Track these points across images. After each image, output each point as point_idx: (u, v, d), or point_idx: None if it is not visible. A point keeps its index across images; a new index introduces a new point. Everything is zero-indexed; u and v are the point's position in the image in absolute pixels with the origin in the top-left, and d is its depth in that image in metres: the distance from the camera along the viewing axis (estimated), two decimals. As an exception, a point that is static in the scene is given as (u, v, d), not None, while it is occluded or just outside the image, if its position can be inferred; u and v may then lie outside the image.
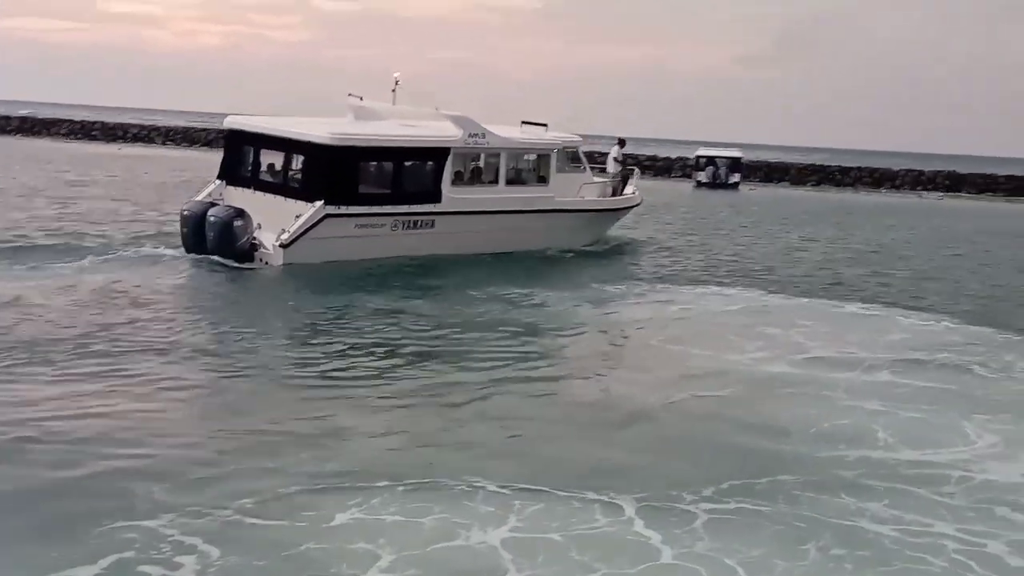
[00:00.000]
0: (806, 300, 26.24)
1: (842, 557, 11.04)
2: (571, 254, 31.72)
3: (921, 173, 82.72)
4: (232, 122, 29.03)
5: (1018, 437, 15.39)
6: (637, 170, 37.70)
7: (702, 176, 72.10)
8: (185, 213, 27.24)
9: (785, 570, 10.66)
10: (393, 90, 30.64)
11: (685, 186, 71.46)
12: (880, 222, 50.72)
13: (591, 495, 12.06)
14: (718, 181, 71.30)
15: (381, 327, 20.43)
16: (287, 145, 27.74)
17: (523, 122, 32.92)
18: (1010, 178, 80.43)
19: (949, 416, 16.29)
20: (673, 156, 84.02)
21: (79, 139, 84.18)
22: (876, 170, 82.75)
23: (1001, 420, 16.19)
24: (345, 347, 18.71)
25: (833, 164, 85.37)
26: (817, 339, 21.44)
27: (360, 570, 10.05)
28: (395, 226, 27.92)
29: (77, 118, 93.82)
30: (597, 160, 39.02)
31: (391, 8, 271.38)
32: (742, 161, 74.68)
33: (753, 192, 69.16)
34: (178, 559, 10.11)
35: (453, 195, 28.93)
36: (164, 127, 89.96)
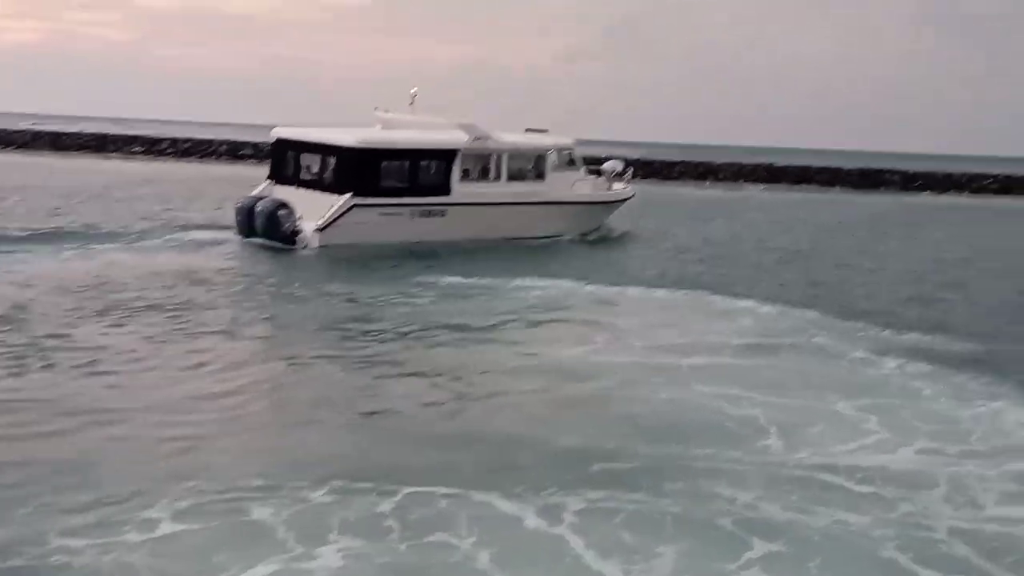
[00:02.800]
0: (659, 292, 27.38)
1: (714, 547, 11.65)
2: (569, 240, 37.19)
3: (743, 166, 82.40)
4: (278, 132, 35.23)
5: (889, 420, 16.36)
6: (630, 168, 43.09)
7: None
8: (238, 205, 33.38)
9: (651, 561, 11.28)
10: (411, 103, 36.64)
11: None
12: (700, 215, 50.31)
13: (443, 489, 12.83)
14: None
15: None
16: (323, 149, 33.83)
17: (527, 129, 38.74)
18: (823, 170, 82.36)
19: (807, 399, 17.42)
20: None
21: None
22: (700, 164, 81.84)
23: (863, 402, 17.32)
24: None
25: (657, 158, 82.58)
26: (664, 328, 22.51)
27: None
28: (412, 214, 33.72)
29: None
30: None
31: (214, 5, 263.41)
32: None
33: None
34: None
35: (461, 189, 34.74)
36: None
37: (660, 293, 27.00)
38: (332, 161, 33.65)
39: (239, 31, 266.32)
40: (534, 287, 26.82)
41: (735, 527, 12.15)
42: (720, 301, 26.06)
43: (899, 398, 17.86)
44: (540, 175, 37.22)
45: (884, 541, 12.09)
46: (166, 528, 11.46)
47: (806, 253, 37.65)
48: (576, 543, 11.58)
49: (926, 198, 73.59)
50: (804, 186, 77.99)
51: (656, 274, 30.54)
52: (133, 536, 11.23)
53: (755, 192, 71.55)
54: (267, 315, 22.98)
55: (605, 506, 12.57)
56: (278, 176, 34.61)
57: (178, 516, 11.72)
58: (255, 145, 72.37)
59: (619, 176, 41.19)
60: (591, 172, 40.28)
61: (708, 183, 77.02)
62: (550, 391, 17.65)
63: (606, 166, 41.77)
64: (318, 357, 19.17)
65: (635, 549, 11.47)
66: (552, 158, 37.41)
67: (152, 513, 11.75)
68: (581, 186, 38.55)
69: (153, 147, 78.84)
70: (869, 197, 71.59)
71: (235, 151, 77.13)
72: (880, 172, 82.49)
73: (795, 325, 23.53)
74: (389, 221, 33.18)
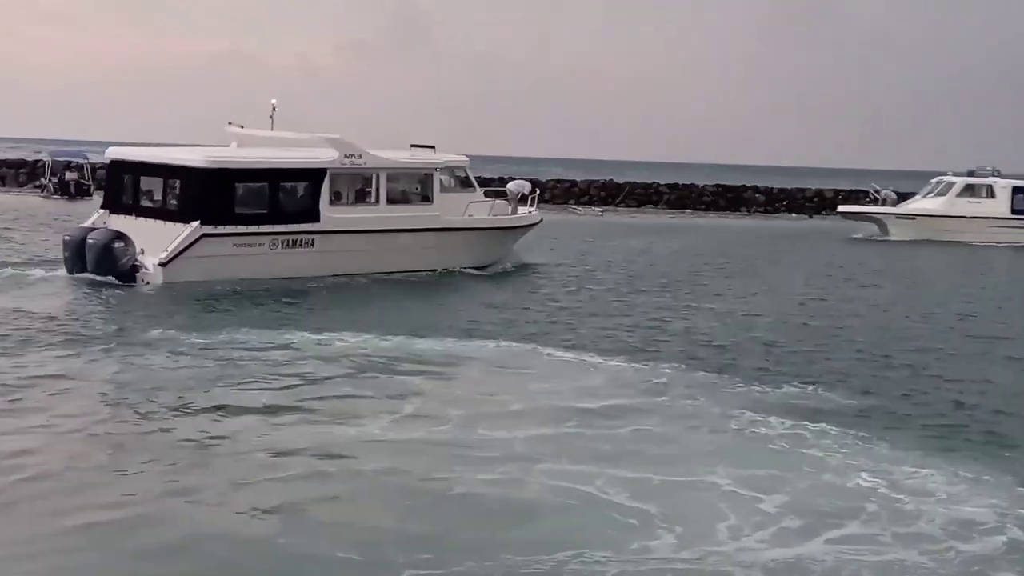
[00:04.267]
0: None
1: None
2: (462, 275, 32.54)
3: (573, 184, 73.11)
4: (113, 152, 30.55)
5: (785, 499, 12.93)
6: (536, 191, 38.72)
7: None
8: (66, 239, 28.65)
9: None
10: (271, 116, 32.00)
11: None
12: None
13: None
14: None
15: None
16: (166, 171, 29.26)
17: (412, 145, 34.31)
18: (673, 187, 75.29)
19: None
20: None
21: None
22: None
23: (745, 474, 13.73)
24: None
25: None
26: (499, 393, 17.83)
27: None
28: (274, 245, 29.09)
29: None
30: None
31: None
32: None
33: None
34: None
35: (332, 214, 30.07)
36: None
37: (518, 347, 21.70)
38: (177, 184, 29.19)
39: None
40: (370, 342, 21.34)
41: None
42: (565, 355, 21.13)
43: (787, 467, 14.10)
44: (427, 198, 32.69)
45: None
46: None
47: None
48: None
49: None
50: (650, 207, 72.00)
51: (535, 319, 25.47)
52: None
53: (592, 216, 64.90)
54: (53, 371, 18.25)
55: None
56: (114, 204, 29.84)
57: None
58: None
59: (524, 199, 36.81)
60: (491, 194, 35.96)
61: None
62: (318, 479, 13.20)
63: (511, 186, 37.60)
64: (67, 432, 14.77)
65: None
66: (441, 178, 32.86)
67: None
68: (477, 210, 33.97)
69: None
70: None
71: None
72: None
73: (649, 380, 19.13)
74: (246, 254, 28.66)
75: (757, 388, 18.74)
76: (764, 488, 13.13)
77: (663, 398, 17.70)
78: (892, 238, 54.61)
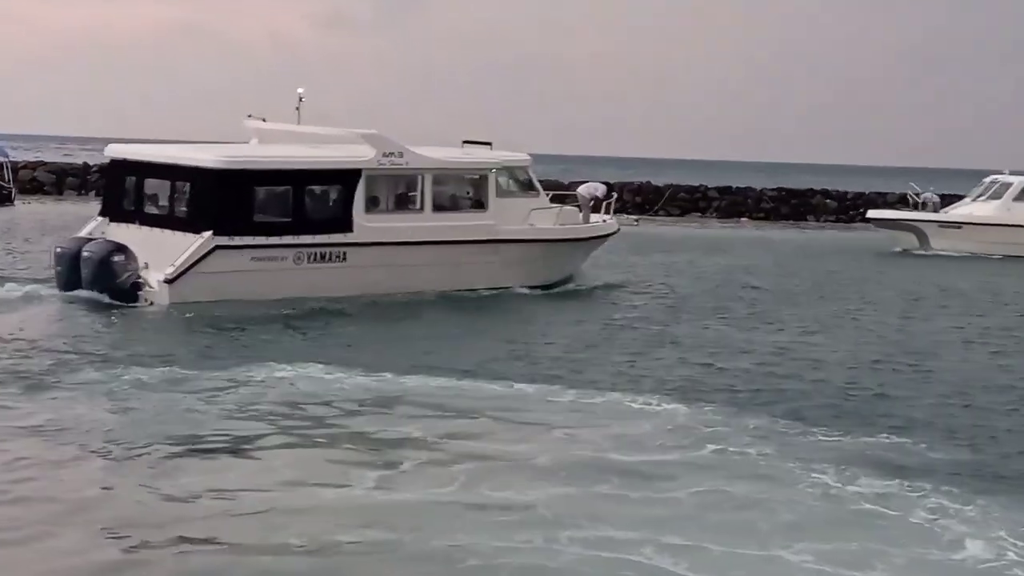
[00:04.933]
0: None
1: None
2: (526, 294, 28.10)
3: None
4: (113, 151, 26.79)
5: None
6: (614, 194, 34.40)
7: None
8: (59, 251, 24.91)
9: None
10: (297, 108, 27.93)
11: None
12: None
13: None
14: None
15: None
16: (174, 173, 25.49)
17: (464, 141, 30.13)
18: (725, 191, 67.59)
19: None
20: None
21: None
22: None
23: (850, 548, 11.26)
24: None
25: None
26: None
27: None
28: (299, 259, 25.13)
29: None
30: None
31: None
32: None
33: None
34: None
35: (367, 223, 25.97)
36: None
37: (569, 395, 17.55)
38: (186, 188, 25.35)
39: None
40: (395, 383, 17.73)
41: None
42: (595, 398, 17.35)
43: (882, 538, 11.50)
44: (480, 203, 28.37)
45: None
46: None
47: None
48: None
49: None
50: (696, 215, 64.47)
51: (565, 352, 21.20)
52: None
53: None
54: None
55: None
56: (114, 210, 25.96)
57: None
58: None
59: (598, 204, 32.31)
60: (558, 199, 31.65)
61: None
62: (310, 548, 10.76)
63: (582, 190, 32.93)
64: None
65: None
66: (498, 180, 28.51)
67: None
68: (540, 218, 29.54)
69: None
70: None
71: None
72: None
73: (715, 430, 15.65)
74: (265, 269, 24.78)
75: (834, 437, 15.52)
76: (853, 564, 10.81)
77: (722, 448, 14.61)
78: (932, 251, 45.31)
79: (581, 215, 31.52)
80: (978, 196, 47.81)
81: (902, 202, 58.56)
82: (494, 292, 27.77)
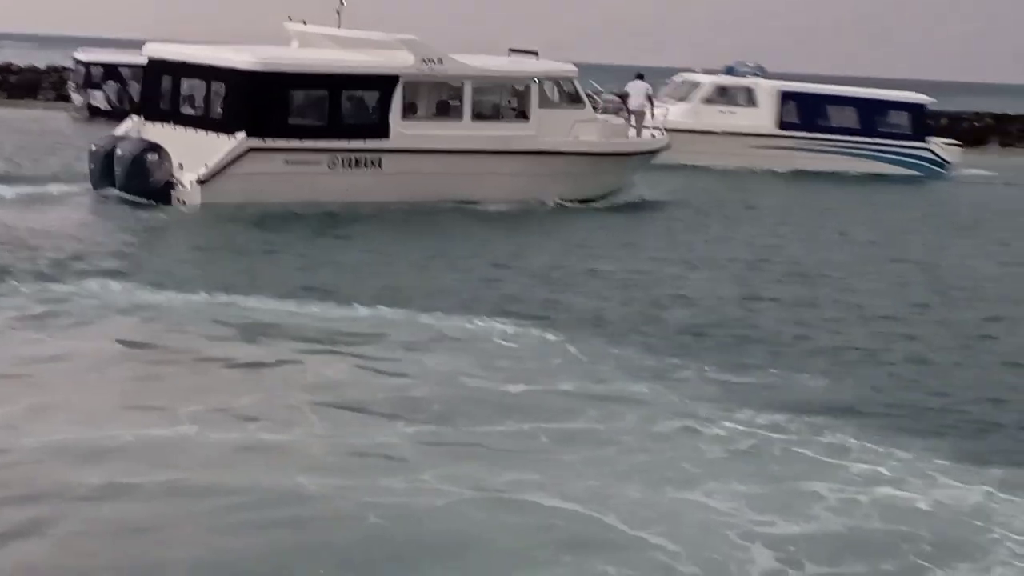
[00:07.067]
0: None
1: None
2: (567, 208, 27.43)
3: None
4: (150, 50, 26.58)
5: None
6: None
7: (97, 98, 44.39)
8: (93, 149, 24.84)
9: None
10: (338, 11, 27.44)
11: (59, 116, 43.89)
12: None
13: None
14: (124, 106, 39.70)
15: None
16: (209, 73, 25.08)
17: (510, 49, 29.39)
18: None
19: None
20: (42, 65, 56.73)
21: None
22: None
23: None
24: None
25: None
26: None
27: None
28: (333, 163, 24.88)
29: None
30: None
31: None
32: None
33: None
34: None
35: (404, 130, 25.57)
36: None
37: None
38: (221, 89, 24.91)
39: None
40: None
41: None
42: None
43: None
44: (522, 114, 27.76)
45: None
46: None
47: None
48: None
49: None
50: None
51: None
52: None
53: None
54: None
55: None
56: (150, 110, 25.76)
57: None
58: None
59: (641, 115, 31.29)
60: (611, 109, 30.64)
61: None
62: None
63: (629, 88, 31.76)
64: None
65: None
66: (542, 90, 27.77)
67: None
68: (586, 130, 28.77)
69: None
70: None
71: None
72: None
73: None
74: (299, 173, 24.51)
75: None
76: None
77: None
78: None
79: (633, 129, 30.91)
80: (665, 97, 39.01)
81: None
82: (532, 203, 27.06)
